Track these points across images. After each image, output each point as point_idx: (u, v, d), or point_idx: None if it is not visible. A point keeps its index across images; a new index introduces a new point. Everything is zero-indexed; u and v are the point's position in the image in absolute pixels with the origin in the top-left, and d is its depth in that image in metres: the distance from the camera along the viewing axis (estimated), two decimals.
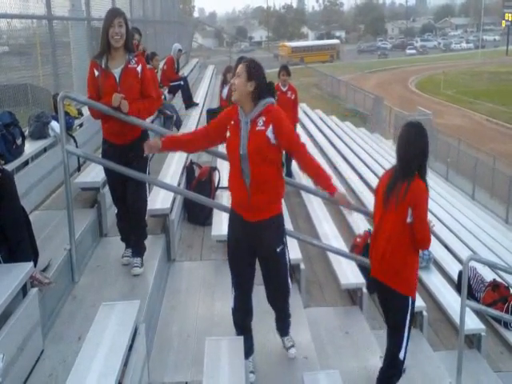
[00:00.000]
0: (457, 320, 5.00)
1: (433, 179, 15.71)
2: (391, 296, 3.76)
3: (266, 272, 3.53)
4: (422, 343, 5.30)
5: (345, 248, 6.25)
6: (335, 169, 11.53)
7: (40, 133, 5.12)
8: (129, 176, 3.99)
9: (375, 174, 12.27)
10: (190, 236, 5.42)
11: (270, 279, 3.55)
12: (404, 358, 3.81)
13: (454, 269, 7.05)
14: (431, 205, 10.99)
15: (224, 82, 9.75)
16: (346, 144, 15.09)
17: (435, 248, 7.80)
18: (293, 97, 8.17)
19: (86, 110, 6.26)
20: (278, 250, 3.41)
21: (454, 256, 7.81)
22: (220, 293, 4.29)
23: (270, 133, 3.24)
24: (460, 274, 6.29)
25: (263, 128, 3.25)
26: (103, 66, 3.89)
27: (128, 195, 4.06)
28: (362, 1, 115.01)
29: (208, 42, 64.91)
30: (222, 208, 4.85)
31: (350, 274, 5.61)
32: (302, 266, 5.20)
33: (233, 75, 7.30)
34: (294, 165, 7.83)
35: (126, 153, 4.01)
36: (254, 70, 3.31)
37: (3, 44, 5.88)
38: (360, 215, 7.69)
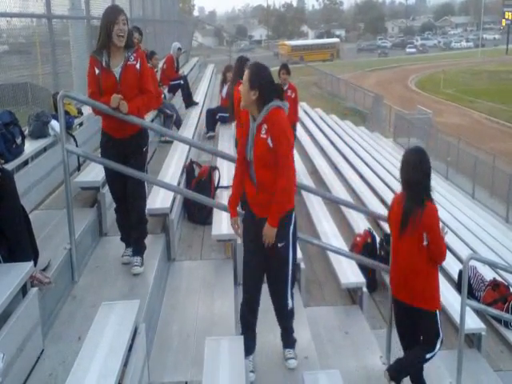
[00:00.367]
0: (457, 319, 4.99)
1: (432, 178, 15.69)
2: (419, 316, 3.94)
3: (268, 270, 3.58)
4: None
5: (345, 247, 6.26)
6: (335, 168, 11.53)
7: (40, 132, 5.11)
8: (127, 171, 3.99)
9: (375, 173, 12.28)
10: (190, 235, 5.42)
11: (269, 277, 3.59)
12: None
13: (454, 268, 7.05)
14: None
15: (224, 81, 9.75)
16: (345, 143, 15.10)
17: None
18: (293, 95, 8.16)
19: (85, 109, 6.26)
20: (279, 245, 3.43)
21: (454, 255, 7.79)
22: (220, 292, 4.29)
23: (270, 142, 3.30)
24: (460, 273, 6.29)
25: (265, 136, 3.31)
26: (104, 63, 3.87)
27: (128, 192, 4.07)
28: None
29: (208, 41, 64.80)
30: (222, 207, 4.84)
31: (350, 273, 5.61)
32: (302, 266, 5.20)
33: (233, 74, 7.25)
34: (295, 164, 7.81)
35: (125, 146, 4.01)
36: (257, 78, 3.33)
37: (3, 43, 5.87)
38: (360, 214, 7.70)
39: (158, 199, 4.97)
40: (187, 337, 3.68)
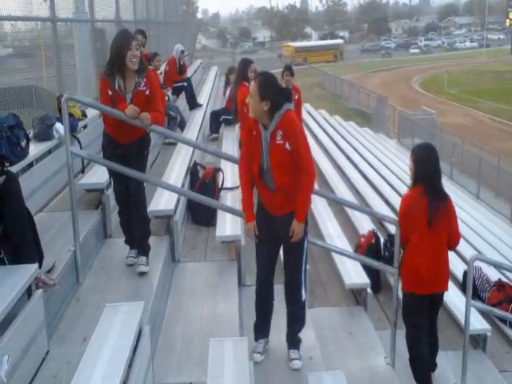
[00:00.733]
0: (462, 320, 4.99)
1: None
2: (441, 298, 4.40)
3: (285, 261, 3.75)
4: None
5: (349, 248, 6.26)
6: (339, 169, 11.53)
7: (44, 135, 5.14)
8: (131, 173, 4.03)
9: (379, 174, 12.26)
10: (194, 237, 5.42)
11: (287, 267, 3.73)
12: None
13: (458, 268, 7.03)
14: None
15: (227, 84, 9.78)
16: (349, 144, 15.08)
17: None
18: (296, 97, 8.16)
19: (90, 112, 6.29)
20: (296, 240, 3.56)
21: (458, 255, 7.77)
22: (224, 294, 4.29)
23: (288, 146, 3.39)
24: (465, 273, 6.27)
25: (282, 142, 3.39)
26: (116, 87, 3.92)
27: (131, 192, 4.10)
28: (366, 0, 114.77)
29: (211, 43, 64.88)
30: (226, 209, 4.86)
31: (354, 274, 5.62)
32: (307, 267, 5.20)
33: (236, 76, 7.26)
34: None
35: (127, 149, 4.05)
36: (266, 88, 3.38)
37: (8, 46, 5.91)
38: (364, 215, 7.69)
39: (162, 201, 4.99)
40: (191, 338, 3.68)
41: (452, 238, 4.23)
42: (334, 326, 4.99)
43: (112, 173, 4.22)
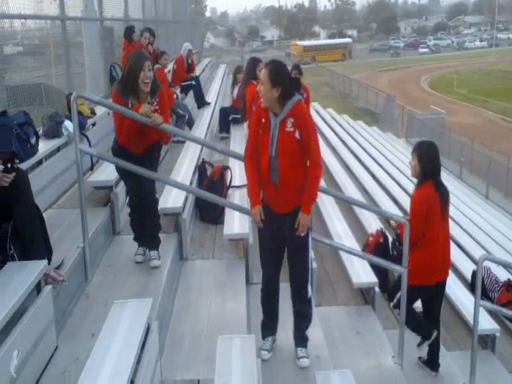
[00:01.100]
0: (470, 320, 4.96)
1: (446, 178, 15.59)
2: (445, 285, 4.61)
3: (290, 260, 3.72)
4: None
5: (357, 247, 6.24)
6: (347, 168, 11.50)
7: (54, 132, 5.16)
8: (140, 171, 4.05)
9: (387, 173, 12.23)
10: (202, 235, 5.43)
11: (292, 266, 3.71)
12: None
13: (467, 268, 7.00)
14: None
15: (234, 83, 9.78)
16: (358, 143, 15.04)
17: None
18: (304, 96, 8.14)
19: (99, 110, 6.31)
20: (302, 234, 3.57)
21: (467, 255, 7.75)
22: (232, 291, 4.29)
23: (297, 134, 3.41)
24: (474, 273, 6.23)
25: (292, 129, 3.41)
26: (130, 107, 3.93)
27: (143, 188, 4.12)
28: None
29: (220, 42, 64.94)
30: (234, 207, 4.86)
31: (362, 273, 5.60)
32: (314, 265, 5.19)
33: (245, 75, 7.24)
34: None
35: (139, 157, 4.07)
36: (277, 75, 3.41)
37: (18, 44, 5.94)
38: (372, 214, 7.67)
39: (171, 199, 5.00)
40: (199, 335, 3.69)
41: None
42: (342, 325, 4.98)
43: (124, 177, 4.27)
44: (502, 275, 6.94)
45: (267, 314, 3.83)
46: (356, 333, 4.71)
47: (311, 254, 5.05)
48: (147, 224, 4.27)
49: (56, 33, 6.54)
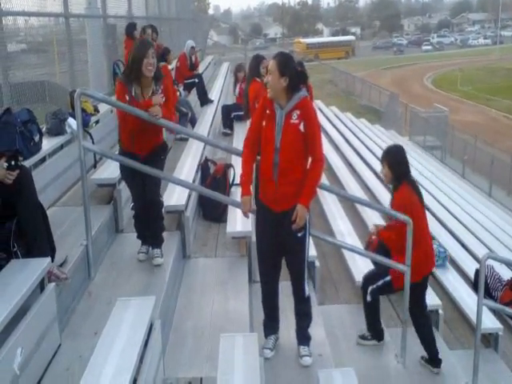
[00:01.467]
0: (473, 319, 4.96)
1: (449, 176, 15.57)
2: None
3: (288, 259, 3.72)
4: (438, 342, 5.25)
5: (359, 245, 6.22)
6: (350, 166, 11.48)
7: (57, 130, 5.17)
8: (146, 176, 4.05)
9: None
10: (205, 233, 5.43)
11: (289, 266, 3.71)
12: None
13: (470, 267, 6.98)
14: (447, 202, 10.90)
15: (236, 81, 9.80)
16: (360, 141, 15.01)
17: (451, 246, 7.74)
18: (308, 93, 8.13)
19: (102, 107, 6.31)
20: (299, 234, 3.57)
21: (470, 254, 7.73)
22: (235, 289, 4.30)
23: (302, 127, 3.43)
24: (477, 272, 6.22)
25: (297, 121, 3.43)
26: (133, 94, 3.95)
27: (148, 190, 4.13)
28: None
29: (223, 39, 64.74)
30: (237, 205, 4.85)
31: (364, 271, 5.57)
32: (317, 264, 5.19)
33: (248, 72, 7.20)
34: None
35: (145, 158, 4.06)
36: (285, 65, 3.45)
37: (21, 41, 5.94)
38: (375, 212, 7.66)
39: (174, 197, 5.00)
40: (202, 333, 3.69)
41: None
42: (345, 323, 4.98)
43: (129, 182, 4.26)
44: (506, 274, 6.92)
45: (268, 314, 3.84)
46: (358, 331, 4.70)
47: (313, 252, 5.08)
48: (151, 226, 4.28)
49: (59, 30, 6.54)
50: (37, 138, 4.53)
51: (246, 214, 3.72)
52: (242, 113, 8.82)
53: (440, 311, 5.49)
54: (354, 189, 9.19)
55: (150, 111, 3.85)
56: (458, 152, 18.30)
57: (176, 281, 4.36)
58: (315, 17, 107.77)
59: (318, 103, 18.67)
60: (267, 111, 3.50)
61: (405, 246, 4.19)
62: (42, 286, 3.07)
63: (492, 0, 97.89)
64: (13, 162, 3.23)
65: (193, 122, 8.74)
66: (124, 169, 4.20)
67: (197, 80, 10.17)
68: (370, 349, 4.54)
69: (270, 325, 3.83)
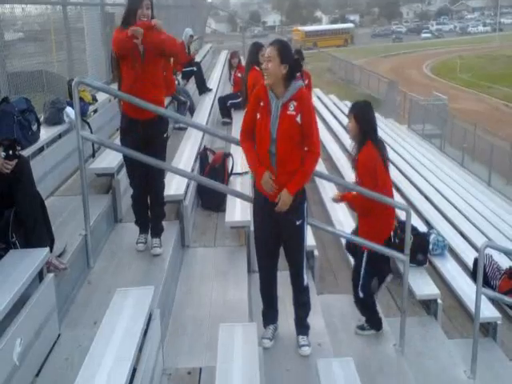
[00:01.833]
0: (472, 308, 4.97)
1: (448, 165, 15.56)
2: None
3: (287, 249, 3.71)
4: (436, 330, 5.29)
5: None
6: (349, 154, 11.44)
7: (55, 119, 5.14)
8: (149, 156, 4.01)
9: (389, 160, 12.16)
10: (204, 222, 5.43)
11: (288, 255, 3.71)
12: None
13: (469, 256, 6.99)
14: (445, 191, 10.90)
15: (230, 68, 9.80)
16: None
17: (450, 235, 7.75)
18: (306, 82, 8.09)
19: (100, 96, 6.27)
20: (297, 223, 3.56)
21: (469, 243, 7.74)
22: (234, 279, 4.30)
23: (299, 118, 3.38)
24: (475, 261, 6.23)
25: (294, 113, 3.39)
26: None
27: (150, 174, 4.12)
28: None
29: (221, 27, 64.45)
30: (236, 194, 4.85)
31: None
32: (316, 253, 5.19)
33: (247, 60, 7.13)
34: None
35: (145, 130, 4.02)
36: (286, 52, 3.43)
37: (18, 30, 5.88)
38: None
39: (172, 186, 4.98)
40: (201, 323, 3.70)
41: None
42: (344, 312, 4.99)
43: (130, 163, 4.19)
44: (504, 263, 6.94)
45: (266, 304, 3.84)
46: (357, 321, 4.71)
47: (312, 242, 5.07)
48: (152, 211, 4.27)
49: (57, 18, 6.47)
50: (35, 128, 4.50)
51: (272, 190, 3.49)
52: (237, 100, 8.82)
53: (439, 300, 5.51)
54: (352, 177, 9.16)
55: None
56: (458, 140, 18.27)
57: (175, 270, 4.36)
58: (314, 4, 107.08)
59: (316, 91, 18.60)
60: (261, 103, 3.45)
61: (372, 209, 4.20)
62: (40, 276, 3.06)
63: None
64: (10, 152, 3.20)
65: (191, 110, 8.71)
66: (125, 140, 4.12)
67: (195, 68, 10.11)
68: (369, 338, 4.56)
69: (269, 314, 3.84)
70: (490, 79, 39.07)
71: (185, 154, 6.03)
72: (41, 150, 4.65)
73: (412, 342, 4.53)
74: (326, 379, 3.19)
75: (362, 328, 4.61)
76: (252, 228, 4.74)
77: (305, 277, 3.73)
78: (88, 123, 5.36)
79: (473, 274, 6.31)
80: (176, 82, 8.79)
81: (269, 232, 3.65)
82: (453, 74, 42.06)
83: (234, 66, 9.76)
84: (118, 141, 4.35)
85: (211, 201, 5.71)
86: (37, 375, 2.82)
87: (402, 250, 4.35)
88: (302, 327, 3.77)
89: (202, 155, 6.25)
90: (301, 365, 3.58)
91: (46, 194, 4.39)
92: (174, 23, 15.21)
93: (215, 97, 9.89)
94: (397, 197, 8.63)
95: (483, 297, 4.87)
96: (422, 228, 7.16)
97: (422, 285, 5.71)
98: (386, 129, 17.55)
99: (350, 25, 78.03)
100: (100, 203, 4.59)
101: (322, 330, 4.01)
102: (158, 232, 4.27)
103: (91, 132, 5.27)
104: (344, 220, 6.88)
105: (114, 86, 4.71)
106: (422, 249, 6.30)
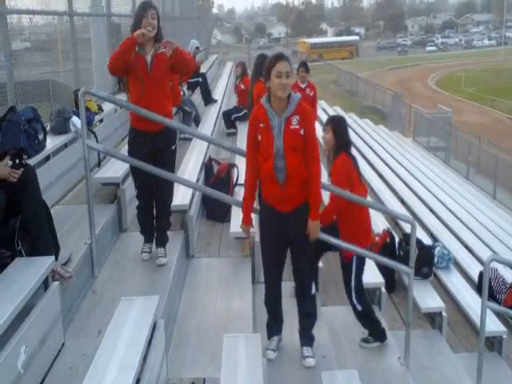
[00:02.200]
0: (477, 322, 4.94)
1: (452, 178, 15.53)
2: None
3: (294, 259, 3.71)
4: (441, 344, 5.25)
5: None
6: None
7: (61, 128, 5.17)
8: (157, 167, 4.02)
9: (394, 172, 12.18)
10: (209, 232, 5.43)
11: (297, 264, 3.70)
12: None
13: (474, 269, 6.96)
14: (451, 204, 10.87)
15: (236, 78, 9.89)
16: (364, 141, 14.99)
17: (455, 248, 7.72)
18: (311, 94, 8.12)
19: (106, 106, 6.31)
20: (307, 232, 3.58)
21: (474, 256, 7.70)
22: (238, 290, 4.29)
23: (302, 132, 3.44)
24: (481, 274, 6.20)
25: (297, 127, 3.43)
26: (136, 49, 3.97)
27: (158, 184, 4.13)
28: None
29: (227, 39, 64.91)
30: (241, 205, 4.84)
31: (368, 273, 5.55)
32: (320, 265, 5.17)
33: (253, 72, 7.16)
34: None
35: (153, 142, 4.04)
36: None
37: (25, 40, 5.94)
38: (379, 214, 7.64)
39: (177, 196, 4.98)
40: (205, 333, 3.69)
41: None
42: (348, 324, 4.95)
43: (138, 174, 4.19)
44: (510, 276, 6.90)
45: (272, 316, 3.83)
46: (362, 333, 4.68)
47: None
48: (159, 222, 4.28)
49: (64, 29, 6.53)
50: (41, 137, 4.52)
51: (248, 234, 3.89)
52: (241, 114, 8.88)
53: (444, 313, 5.48)
54: None
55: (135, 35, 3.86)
56: (462, 153, 18.25)
57: (179, 280, 4.35)
58: (319, 17, 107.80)
59: (321, 103, 18.64)
60: (261, 124, 3.47)
61: (350, 218, 4.21)
62: (45, 285, 3.06)
63: (497, 1, 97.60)
64: (17, 161, 3.23)
65: (196, 121, 8.74)
66: (132, 150, 4.12)
67: (201, 79, 10.17)
68: (374, 351, 4.52)
69: (275, 326, 3.82)
70: (494, 92, 39.10)
71: (190, 164, 6.05)
72: (47, 159, 4.67)
73: (417, 355, 4.50)
74: None
75: (366, 341, 4.58)
76: (257, 239, 4.74)
77: (312, 286, 3.74)
78: (94, 133, 5.39)
79: (478, 288, 6.28)
80: (181, 93, 8.83)
81: (277, 242, 3.65)
82: (457, 87, 42.12)
83: (237, 75, 9.83)
84: (123, 151, 4.37)
85: (216, 211, 5.71)
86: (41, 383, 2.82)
87: (406, 263, 4.33)
88: (307, 338, 3.76)
89: (207, 166, 6.26)
90: (305, 377, 3.56)
91: (51, 203, 4.40)
92: (180, 34, 15.33)
93: (220, 107, 9.94)
94: (402, 209, 8.64)
95: (488, 310, 4.84)
96: (427, 241, 7.14)
97: (427, 298, 5.68)
98: (391, 141, 17.56)
99: (356, 37, 78.40)
100: (105, 212, 4.59)
101: (327, 341, 3.98)
102: (163, 242, 4.27)
103: (97, 141, 5.30)
104: None
105: (120, 97, 4.75)
106: (427, 262, 6.29)
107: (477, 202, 12.92)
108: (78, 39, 6.65)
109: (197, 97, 10.30)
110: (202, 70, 11.55)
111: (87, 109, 5.28)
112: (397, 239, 6.74)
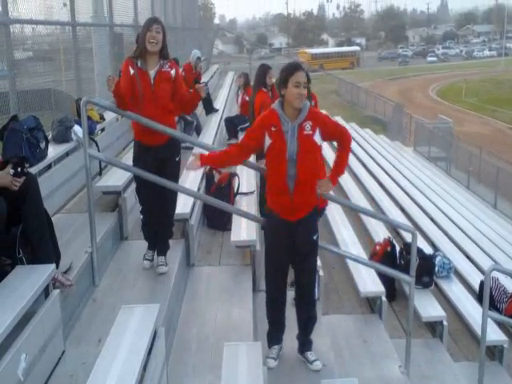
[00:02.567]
0: (478, 331, 4.93)
1: (453, 187, 15.53)
2: None
3: (301, 264, 3.69)
4: (442, 353, 5.24)
5: (364, 255, 6.22)
6: (355, 176, 11.48)
7: (63, 137, 5.19)
8: (161, 178, 4.05)
9: (395, 181, 12.19)
10: (209, 241, 5.43)
11: (302, 269, 3.69)
12: None
13: (475, 279, 6.95)
14: (452, 213, 10.87)
15: (238, 89, 9.90)
16: (365, 151, 15.02)
17: (456, 257, 7.71)
18: (313, 104, 8.14)
19: (107, 115, 6.34)
20: (314, 237, 3.62)
21: (475, 266, 7.69)
22: (238, 298, 4.29)
23: (316, 137, 3.46)
24: (481, 284, 6.19)
25: (311, 132, 3.45)
26: (139, 65, 3.98)
27: (163, 194, 4.14)
28: (383, 8, 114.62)
29: (228, 49, 65.15)
30: (242, 214, 4.86)
31: (369, 281, 5.58)
32: (321, 273, 5.17)
33: (255, 82, 7.22)
34: None
35: (158, 155, 4.06)
36: None
37: (28, 49, 5.98)
38: (380, 223, 7.66)
39: (178, 204, 4.98)
40: (206, 341, 3.68)
41: None
42: (349, 333, 4.96)
43: (143, 184, 4.20)
44: (511, 286, 6.89)
45: (274, 325, 3.81)
46: (363, 341, 4.69)
47: (317, 262, 5.06)
48: (161, 232, 4.28)
49: (66, 38, 6.58)
50: (43, 145, 4.55)
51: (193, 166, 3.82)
52: (246, 125, 8.88)
53: (444, 322, 5.47)
54: (358, 199, 9.19)
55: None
56: (463, 163, 18.26)
57: (180, 289, 4.36)
58: (320, 27, 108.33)
59: None
60: (273, 128, 3.46)
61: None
62: (46, 293, 3.07)
63: (497, 12, 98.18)
64: (19, 169, 3.24)
65: (198, 130, 8.78)
66: (136, 159, 4.14)
67: None
68: (374, 359, 4.52)
69: (275, 335, 3.81)
70: (495, 103, 39.20)
71: (191, 173, 6.05)
72: (48, 167, 4.69)
73: (417, 364, 4.49)
74: None
75: None
76: (258, 248, 4.75)
77: (316, 290, 3.78)
78: (95, 141, 5.41)
79: (479, 297, 6.27)
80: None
81: (284, 251, 3.63)
82: (458, 98, 42.23)
83: (239, 86, 9.86)
84: (124, 159, 4.39)
85: (217, 220, 5.73)
86: None
87: (407, 272, 4.33)
88: (308, 343, 3.77)
89: (209, 175, 6.28)
90: None
91: (52, 211, 4.42)
92: (182, 45, 15.44)
93: (222, 117, 9.97)
94: (402, 219, 8.65)
95: (489, 320, 4.83)
96: (428, 250, 7.13)
97: (428, 307, 5.68)
98: (392, 151, 17.60)
99: (357, 48, 78.75)
100: (106, 221, 4.61)
101: (327, 350, 3.97)
102: (164, 250, 4.28)
103: (98, 150, 5.32)
104: (349, 241, 6.87)
105: None
106: (428, 271, 6.28)
107: (477, 212, 12.91)
108: (80, 49, 6.70)
109: (198, 106, 10.33)
110: (204, 79, 11.59)
111: (89, 118, 5.30)
112: (398, 248, 6.74)
